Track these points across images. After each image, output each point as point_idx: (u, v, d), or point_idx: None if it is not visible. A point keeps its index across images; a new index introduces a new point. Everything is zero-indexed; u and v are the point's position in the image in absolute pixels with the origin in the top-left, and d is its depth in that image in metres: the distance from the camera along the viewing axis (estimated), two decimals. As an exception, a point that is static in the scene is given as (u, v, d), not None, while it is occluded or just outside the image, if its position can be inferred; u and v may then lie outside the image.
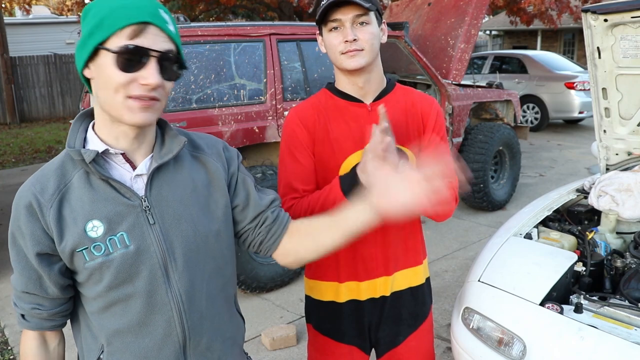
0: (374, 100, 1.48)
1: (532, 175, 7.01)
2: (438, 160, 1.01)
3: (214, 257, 1.11)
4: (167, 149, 1.06)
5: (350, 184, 1.36)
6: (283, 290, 3.86)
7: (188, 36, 3.47)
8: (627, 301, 1.86)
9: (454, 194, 1.52)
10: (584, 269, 2.09)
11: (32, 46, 15.90)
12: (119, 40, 0.92)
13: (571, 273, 2.06)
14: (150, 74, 0.93)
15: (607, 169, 2.93)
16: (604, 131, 2.85)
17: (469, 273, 2.22)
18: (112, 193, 1.00)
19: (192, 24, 3.63)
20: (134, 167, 1.04)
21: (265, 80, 3.80)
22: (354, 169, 1.36)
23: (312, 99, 1.53)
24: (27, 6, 12.96)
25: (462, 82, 5.73)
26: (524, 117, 10.29)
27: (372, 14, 1.38)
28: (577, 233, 2.39)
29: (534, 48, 18.81)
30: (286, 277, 3.89)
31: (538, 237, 2.34)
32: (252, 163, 4.06)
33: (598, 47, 2.58)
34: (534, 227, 2.43)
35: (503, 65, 10.80)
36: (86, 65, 0.98)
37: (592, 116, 3.10)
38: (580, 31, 17.97)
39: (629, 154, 2.85)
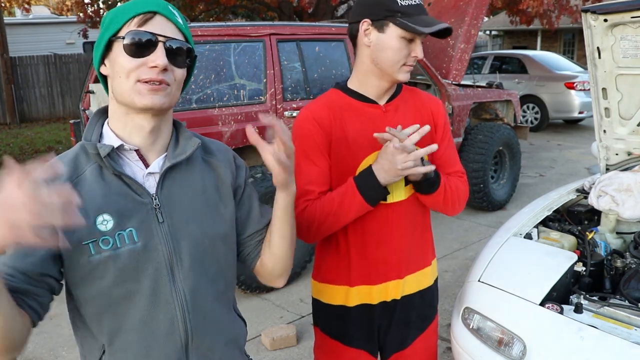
0: (387, 102, 1.49)
1: (532, 175, 7.01)
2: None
3: (218, 260, 1.12)
4: (181, 149, 1.08)
5: (369, 184, 1.37)
6: (283, 290, 3.85)
7: (188, 36, 3.47)
8: (627, 301, 1.86)
9: (466, 189, 1.54)
10: (584, 269, 2.09)
11: (32, 46, 15.88)
12: (128, 29, 0.98)
13: (571, 273, 2.06)
14: (157, 56, 0.97)
15: (607, 169, 2.93)
16: (604, 131, 2.85)
17: (469, 273, 2.22)
18: (124, 189, 1.01)
19: (192, 24, 3.63)
20: (146, 165, 1.05)
21: (265, 80, 3.80)
22: (369, 168, 1.36)
23: (324, 99, 1.50)
24: (26, 6, 12.95)
25: (462, 82, 5.73)
26: (524, 117, 10.29)
27: None
28: (577, 233, 2.39)
29: (534, 48, 18.81)
30: (286, 277, 3.88)
31: (538, 237, 2.34)
32: (252, 163, 4.06)
33: (598, 47, 2.58)
34: (534, 227, 2.43)
35: (503, 65, 10.80)
36: (102, 62, 1.02)
37: (592, 116, 3.10)
38: (580, 31, 17.97)
39: (629, 154, 2.85)
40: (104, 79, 1.05)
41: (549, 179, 6.82)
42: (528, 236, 2.31)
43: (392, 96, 1.50)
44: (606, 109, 2.77)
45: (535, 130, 10.12)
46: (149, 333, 1.04)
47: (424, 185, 1.42)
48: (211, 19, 12.11)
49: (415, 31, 1.32)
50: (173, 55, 1.00)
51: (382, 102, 1.48)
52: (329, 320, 1.61)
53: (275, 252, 1.19)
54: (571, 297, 1.95)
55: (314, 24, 4.43)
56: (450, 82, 5.24)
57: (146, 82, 0.98)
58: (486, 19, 18.45)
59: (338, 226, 1.43)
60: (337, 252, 1.54)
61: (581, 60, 16.95)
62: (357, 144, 1.44)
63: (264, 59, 3.80)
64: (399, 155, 1.29)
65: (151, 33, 0.97)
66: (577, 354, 1.66)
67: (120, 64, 0.98)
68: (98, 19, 10.45)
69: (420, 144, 1.47)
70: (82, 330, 1.09)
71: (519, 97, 6.69)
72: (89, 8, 11.01)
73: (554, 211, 2.64)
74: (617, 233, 2.50)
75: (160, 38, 0.98)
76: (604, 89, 2.71)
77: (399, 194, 1.48)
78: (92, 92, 4.07)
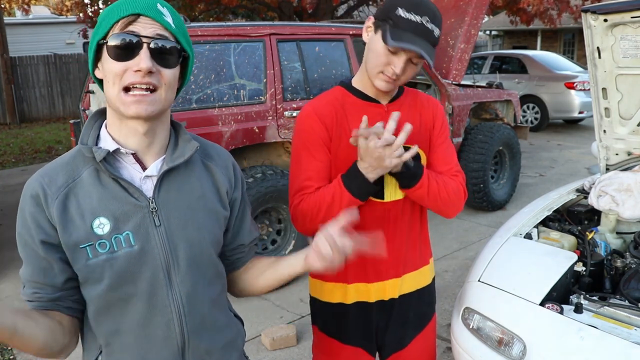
0: (389, 102, 1.49)
1: (532, 175, 7.01)
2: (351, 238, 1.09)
3: (215, 264, 1.12)
4: (179, 152, 1.07)
5: (355, 180, 1.35)
6: (283, 290, 3.85)
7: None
8: (627, 301, 1.86)
9: (464, 188, 1.53)
10: (584, 269, 2.09)
11: (32, 46, 15.89)
12: (112, 33, 0.96)
13: (571, 273, 2.06)
14: (141, 59, 0.94)
15: (607, 169, 2.93)
16: (604, 131, 2.85)
17: (469, 273, 2.22)
18: (121, 192, 1.01)
19: (192, 24, 3.63)
20: (144, 168, 1.05)
21: (265, 80, 3.80)
22: (355, 167, 1.35)
23: (327, 96, 1.51)
24: (26, 6, 12.95)
25: (462, 82, 5.73)
26: (524, 117, 10.29)
27: None
28: (577, 233, 2.39)
29: (534, 48, 18.81)
30: (286, 277, 3.88)
31: (538, 237, 2.34)
32: (252, 163, 4.06)
33: (598, 47, 2.58)
34: (534, 227, 2.43)
35: (503, 65, 10.80)
36: (96, 66, 1.01)
37: (592, 116, 3.10)
38: (580, 31, 17.97)
39: (629, 154, 2.85)
40: (100, 82, 1.04)
41: (549, 179, 6.82)
42: (528, 236, 2.31)
43: (396, 96, 1.51)
44: (606, 109, 2.77)
45: (535, 130, 10.12)
46: (146, 336, 1.04)
47: (405, 177, 1.40)
48: (211, 19, 12.11)
49: (385, 41, 1.31)
50: (160, 56, 0.97)
51: (384, 102, 1.49)
52: (326, 318, 1.61)
53: (257, 287, 1.24)
54: (571, 297, 1.95)
55: (314, 24, 4.43)
56: (450, 82, 5.24)
57: (132, 87, 0.96)
58: (486, 18, 18.45)
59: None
60: None
61: (581, 60, 16.96)
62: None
63: (264, 59, 3.80)
64: (387, 150, 1.27)
65: (134, 35, 0.95)
66: (577, 354, 1.66)
67: (107, 69, 0.97)
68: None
69: (419, 144, 1.48)
70: (84, 327, 1.10)
71: (519, 97, 6.69)
72: (89, 8, 11.02)
73: (554, 211, 2.64)
74: (617, 233, 2.50)
75: (144, 39, 0.95)
76: (604, 89, 2.71)
77: (396, 193, 1.48)
78: (92, 92, 4.06)
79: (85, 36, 10.94)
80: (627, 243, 2.47)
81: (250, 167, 3.82)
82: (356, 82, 1.50)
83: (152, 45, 0.96)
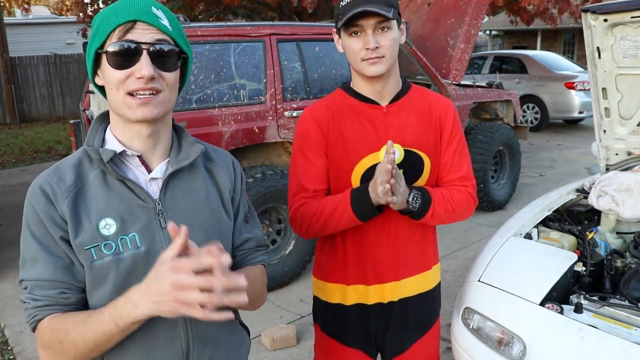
0: (389, 102, 1.47)
1: (532, 175, 7.01)
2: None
3: None
4: (184, 155, 1.08)
5: (362, 201, 1.36)
6: (283, 290, 3.85)
7: (188, 36, 3.46)
8: (627, 301, 1.86)
9: (473, 198, 1.52)
10: (584, 269, 2.09)
11: (32, 46, 15.89)
12: (111, 42, 0.97)
13: (571, 273, 2.06)
14: (142, 66, 0.95)
15: (607, 169, 2.93)
16: (604, 131, 2.85)
17: (469, 273, 2.22)
18: (127, 193, 1.01)
19: (192, 24, 3.63)
20: (149, 171, 1.05)
21: (265, 80, 3.80)
22: (366, 186, 1.36)
23: (327, 99, 1.52)
24: (26, 5, 12.95)
25: (462, 82, 5.73)
26: (524, 117, 10.29)
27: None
28: (577, 233, 2.39)
29: (534, 48, 18.81)
30: (286, 277, 3.88)
31: (538, 237, 2.34)
32: (252, 163, 4.06)
33: (598, 47, 2.58)
34: (534, 227, 2.43)
35: (503, 65, 10.80)
36: (96, 73, 1.02)
37: (592, 116, 3.11)
38: (580, 31, 17.97)
39: (629, 154, 2.85)
40: (100, 89, 1.04)
41: (549, 179, 6.82)
42: (528, 236, 2.31)
43: (397, 97, 1.48)
44: (606, 109, 2.77)
45: (535, 130, 10.11)
46: (150, 341, 1.03)
47: (409, 214, 1.43)
48: (211, 19, 12.11)
49: (343, 20, 1.32)
50: (160, 60, 0.98)
51: (384, 103, 1.47)
52: (327, 318, 1.61)
53: None
54: (571, 297, 1.95)
55: (314, 24, 4.43)
56: (450, 82, 5.24)
57: (135, 94, 0.97)
58: (486, 18, 18.45)
59: (328, 231, 1.45)
60: (334, 250, 1.55)
61: (581, 60, 16.95)
62: (353, 145, 1.44)
63: (264, 59, 3.79)
64: (380, 177, 1.28)
65: (133, 42, 0.95)
66: (577, 354, 1.66)
67: (108, 77, 0.98)
68: (98, 19, 10.43)
69: (421, 147, 1.47)
70: None
71: (519, 97, 6.69)
72: (89, 8, 11.02)
73: (554, 211, 2.64)
74: (617, 233, 2.50)
75: (143, 46, 0.96)
76: (604, 89, 2.71)
77: None
78: (92, 92, 4.07)
79: (85, 36, 10.94)
80: (627, 243, 2.47)
81: (250, 167, 3.82)
82: (353, 85, 1.51)
83: (152, 51, 0.96)
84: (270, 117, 3.82)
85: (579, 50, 19.34)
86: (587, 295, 1.91)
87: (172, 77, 1.01)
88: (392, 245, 1.50)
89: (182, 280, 0.82)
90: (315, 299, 1.65)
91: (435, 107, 1.50)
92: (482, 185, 5.27)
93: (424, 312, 1.61)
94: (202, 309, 0.83)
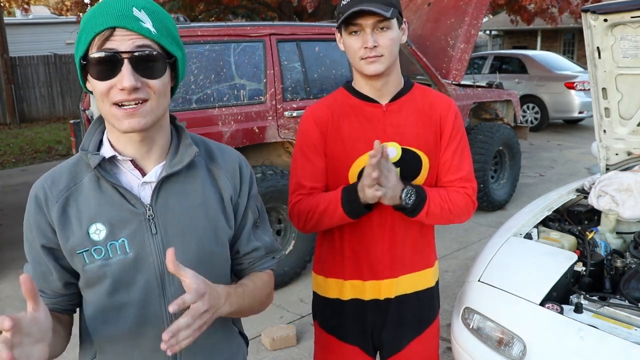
0: (390, 101, 1.47)
1: (532, 175, 7.01)
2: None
3: (216, 274, 1.07)
4: (179, 158, 1.03)
5: (352, 199, 1.38)
6: (283, 290, 3.85)
7: (188, 36, 3.47)
8: (627, 301, 1.86)
9: (472, 200, 1.52)
10: (584, 269, 2.09)
11: (32, 46, 15.89)
12: (91, 52, 0.92)
13: (571, 273, 2.06)
14: (123, 77, 0.90)
15: (607, 169, 2.93)
16: (604, 131, 2.85)
17: (469, 273, 2.22)
18: (118, 198, 0.99)
19: (192, 24, 3.63)
20: (143, 174, 1.02)
21: (265, 80, 3.80)
22: (356, 184, 1.37)
23: (328, 98, 1.54)
24: (26, 6, 12.95)
25: (462, 82, 5.73)
26: (524, 117, 10.29)
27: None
28: (577, 233, 2.39)
29: (534, 48, 18.81)
30: (286, 277, 3.89)
31: (538, 237, 2.34)
32: (252, 163, 4.06)
33: (598, 47, 2.58)
34: (534, 227, 2.43)
35: (503, 65, 10.80)
36: (87, 79, 0.98)
37: (592, 116, 3.11)
38: (580, 31, 17.97)
39: (629, 154, 2.85)
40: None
41: (549, 179, 6.82)
42: (528, 236, 2.31)
43: (398, 95, 1.48)
44: (606, 109, 2.77)
45: (535, 130, 10.11)
46: (137, 347, 1.02)
47: (404, 211, 1.43)
48: (211, 19, 12.11)
49: (342, 19, 1.34)
50: (144, 67, 0.92)
51: (384, 101, 1.47)
52: (325, 313, 1.63)
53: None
54: (571, 297, 1.95)
55: (314, 24, 4.43)
56: (450, 82, 5.24)
57: (120, 104, 0.92)
58: (486, 18, 18.45)
59: (323, 227, 1.48)
60: (332, 246, 1.57)
61: (581, 60, 16.95)
62: (351, 143, 1.45)
63: (264, 59, 3.79)
64: (366, 172, 1.30)
65: (112, 51, 0.90)
66: (577, 354, 1.66)
67: (93, 87, 0.94)
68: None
69: (420, 147, 1.47)
70: (83, 330, 1.09)
71: (519, 97, 6.69)
72: (89, 8, 11.01)
73: (554, 211, 2.64)
74: (617, 233, 2.50)
75: (123, 55, 0.90)
76: (604, 89, 2.71)
77: None
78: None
79: (85, 36, 10.93)
80: (627, 243, 2.47)
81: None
82: (355, 84, 1.52)
83: (133, 60, 0.91)
84: (270, 117, 3.82)
85: (579, 50, 19.34)
86: (587, 295, 1.91)
87: (158, 83, 0.95)
88: (388, 242, 1.50)
89: None
90: (315, 294, 1.67)
91: (436, 107, 1.50)
92: (482, 185, 5.27)
93: (421, 310, 1.61)
94: None
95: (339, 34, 1.45)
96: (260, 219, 1.18)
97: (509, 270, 2.08)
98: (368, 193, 1.32)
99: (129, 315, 1.01)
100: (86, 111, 4.63)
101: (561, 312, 1.81)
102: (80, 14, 11.04)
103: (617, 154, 2.89)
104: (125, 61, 0.90)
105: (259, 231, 1.17)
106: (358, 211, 1.40)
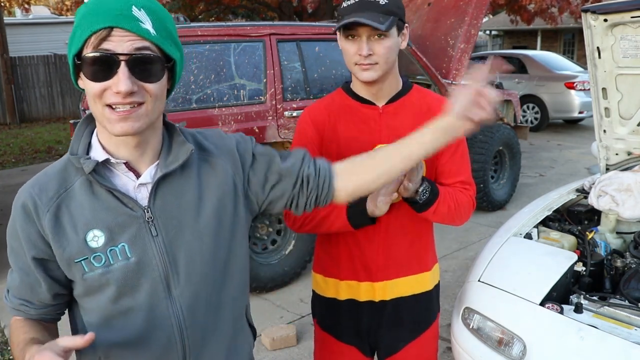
0: (387, 103, 1.47)
1: (532, 175, 7.01)
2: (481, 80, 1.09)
3: (222, 270, 1.06)
4: (174, 157, 1.00)
5: (357, 210, 1.39)
6: (283, 290, 3.85)
7: (188, 36, 3.47)
8: (627, 301, 1.86)
9: (473, 203, 1.53)
10: (584, 269, 2.09)
11: (32, 46, 15.87)
12: (86, 51, 0.88)
13: (571, 273, 2.06)
14: (119, 80, 0.87)
15: (607, 169, 2.93)
16: (604, 131, 2.85)
17: (469, 273, 2.22)
18: (114, 202, 0.96)
19: (192, 24, 3.63)
20: (137, 176, 0.99)
21: (265, 80, 3.80)
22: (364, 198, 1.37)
23: (326, 99, 1.54)
24: (26, 5, 12.95)
25: (462, 82, 5.73)
26: (524, 117, 10.28)
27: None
28: (577, 233, 2.39)
29: (534, 48, 18.81)
30: (286, 277, 3.89)
31: (538, 237, 2.34)
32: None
33: (598, 47, 2.58)
34: (534, 227, 2.43)
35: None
36: (79, 76, 0.94)
37: (592, 116, 3.11)
38: (580, 31, 17.97)
39: (629, 154, 2.85)
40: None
41: (549, 179, 6.82)
42: (528, 236, 2.31)
43: (395, 97, 1.48)
44: (606, 109, 2.77)
45: (535, 130, 10.11)
46: (146, 350, 1.01)
47: (413, 205, 1.44)
48: (211, 19, 12.11)
49: (338, 26, 1.33)
50: (141, 70, 0.89)
51: (380, 103, 1.47)
52: (323, 312, 1.64)
53: (369, 188, 1.12)
54: (571, 297, 1.95)
55: (314, 24, 4.43)
56: (450, 82, 5.24)
57: (114, 107, 0.89)
58: (486, 18, 18.45)
59: (320, 231, 1.48)
60: (329, 245, 1.57)
61: (581, 60, 16.95)
62: (347, 144, 1.46)
63: (264, 59, 3.79)
64: (385, 188, 1.33)
65: (109, 52, 0.87)
66: (577, 354, 1.66)
67: (86, 87, 0.90)
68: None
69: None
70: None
71: (519, 97, 6.69)
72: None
73: (554, 211, 2.64)
74: (617, 233, 2.50)
75: (120, 57, 0.87)
76: (604, 89, 2.71)
77: None
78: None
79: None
80: (627, 243, 2.47)
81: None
82: (352, 85, 1.52)
83: (130, 62, 0.88)
84: (270, 117, 3.82)
85: (579, 50, 19.34)
86: (587, 295, 1.91)
87: (155, 87, 0.92)
88: (382, 244, 1.51)
89: None
90: (314, 293, 1.67)
91: (433, 109, 1.49)
92: (482, 185, 5.27)
93: (419, 312, 1.60)
94: None
95: (336, 33, 1.45)
96: (281, 154, 1.14)
97: (509, 270, 2.08)
98: (380, 211, 1.35)
99: (136, 320, 0.99)
100: (86, 111, 4.63)
101: (561, 312, 1.81)
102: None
103: (617, 154, 2.89)
104: (122, 63, 0.87)
105: (287, 162, 1.13)
106: (363, 222, 1.42)
